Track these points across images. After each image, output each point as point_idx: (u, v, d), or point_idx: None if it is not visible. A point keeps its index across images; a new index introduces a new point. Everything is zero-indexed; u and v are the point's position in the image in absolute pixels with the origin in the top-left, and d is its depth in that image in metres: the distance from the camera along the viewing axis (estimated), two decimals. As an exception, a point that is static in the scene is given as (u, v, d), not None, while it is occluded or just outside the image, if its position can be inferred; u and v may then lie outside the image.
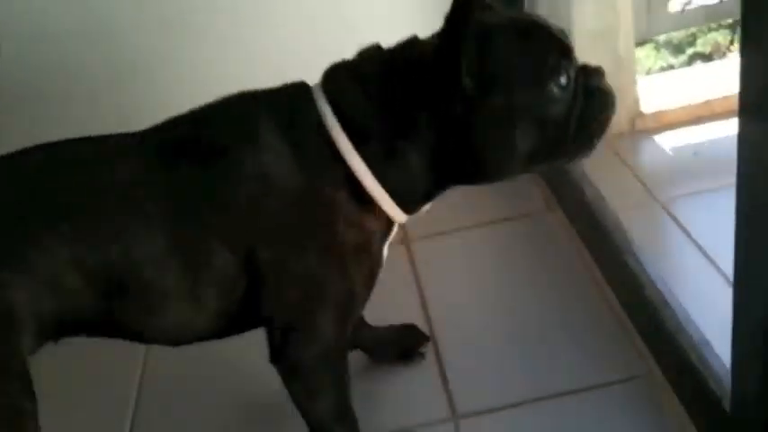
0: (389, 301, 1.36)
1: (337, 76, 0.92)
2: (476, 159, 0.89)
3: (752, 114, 0.71)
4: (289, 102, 0.91)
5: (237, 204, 0.87)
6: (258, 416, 1.21)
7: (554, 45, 0.88)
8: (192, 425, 1.22)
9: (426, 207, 0.98)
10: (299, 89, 0.92)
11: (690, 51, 2.16)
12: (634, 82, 1.68)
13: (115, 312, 0.88)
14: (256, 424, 1.19)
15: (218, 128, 0.91)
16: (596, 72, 0.92)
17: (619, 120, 1.70)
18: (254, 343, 0.97)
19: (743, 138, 0.73)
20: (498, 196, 1.61)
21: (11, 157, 0.90)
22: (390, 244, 0.98)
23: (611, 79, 0.96)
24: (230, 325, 0.94)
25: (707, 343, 1.02)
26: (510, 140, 0.87)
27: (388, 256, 0.98)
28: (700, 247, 1.34)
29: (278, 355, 0.93)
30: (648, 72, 2.06)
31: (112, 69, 1.65)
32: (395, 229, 0.98)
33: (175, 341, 0.97)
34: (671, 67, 2.12)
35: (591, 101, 0.90)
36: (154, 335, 0.94)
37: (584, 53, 1.68)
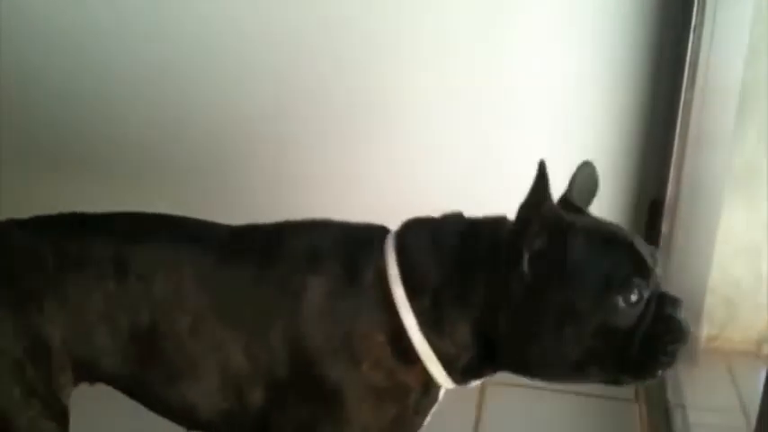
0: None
1: (414, 229, 0.91)
2: (521, 348, 0.86)
3: None
4: (361, 241, 0.91)
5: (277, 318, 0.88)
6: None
7: (631, 259, 0.84)
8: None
9: (476, 382, 0.93)
10: (377, 231, 0.93)
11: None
12: (772, 305, 1.60)
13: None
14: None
15: (288, 249, 0.92)
16: (675, 301, 0.86)
17: (747, 339, 1.63)
18: None
19: None
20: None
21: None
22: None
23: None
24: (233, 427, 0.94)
25: None
26: (556, 339, 0.83)
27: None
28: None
29: None
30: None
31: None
32: (440, 396, 0.94)
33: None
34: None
35: (660, 327, 0.84)
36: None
37: (725, 265, 1.66)
